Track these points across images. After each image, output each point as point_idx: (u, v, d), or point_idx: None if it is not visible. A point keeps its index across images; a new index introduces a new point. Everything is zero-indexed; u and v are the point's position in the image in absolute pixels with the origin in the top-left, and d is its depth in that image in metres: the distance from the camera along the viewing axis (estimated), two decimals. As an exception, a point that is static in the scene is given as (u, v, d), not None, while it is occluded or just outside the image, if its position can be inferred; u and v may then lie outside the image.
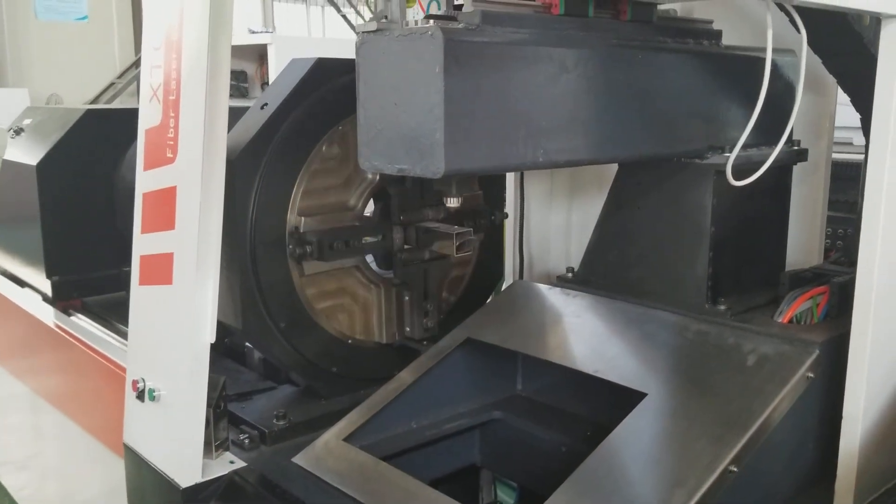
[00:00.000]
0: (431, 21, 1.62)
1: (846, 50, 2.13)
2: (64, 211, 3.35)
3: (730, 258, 2.17)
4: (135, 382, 2.10)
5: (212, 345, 1.99)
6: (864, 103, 2.17)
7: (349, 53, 1.85)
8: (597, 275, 2.38)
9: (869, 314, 1.80)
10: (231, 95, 1.97)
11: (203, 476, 2.04)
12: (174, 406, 2.03)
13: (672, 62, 2.03)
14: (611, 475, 1.78)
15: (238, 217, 2.19)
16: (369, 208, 2.51)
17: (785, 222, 2.35)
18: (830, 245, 3.38)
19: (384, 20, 1.69)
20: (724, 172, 1.99)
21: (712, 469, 1.67)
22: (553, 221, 3.11)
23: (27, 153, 3.43)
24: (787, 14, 1.90)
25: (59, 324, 3.30)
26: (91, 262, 3.44)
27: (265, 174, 2.22)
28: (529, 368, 2.44)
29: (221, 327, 2.08)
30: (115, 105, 7.16)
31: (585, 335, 2.22)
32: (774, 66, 1.95)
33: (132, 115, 2.13)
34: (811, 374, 1.85)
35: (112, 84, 7.94)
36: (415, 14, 1.95)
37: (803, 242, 2.65)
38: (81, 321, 3.32)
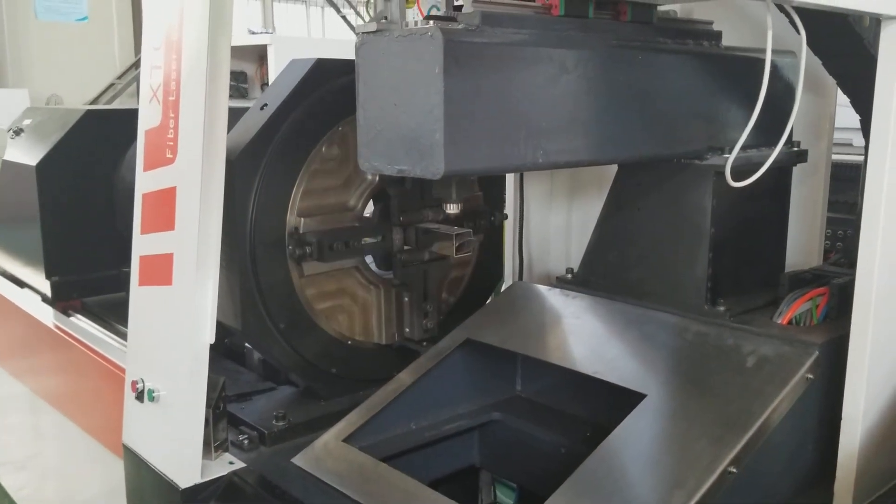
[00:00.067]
0: (431, 22, 1.62)
1: (846, 51, 2.13)
2: (64, 211, 3.34)
3: (729, 259, 2.17)
4: (134, 383, 2.10)
5: (211, 345, 1.99)
6: (863, 104, 2.17)
7: (349, 54, 1.85)
8: (596, 276, 2.38)
9: (869, 315, 1.80)
10: (231, 96, 1.97)
11: (202, 477, 2.04)
12: (173, 407, 2.03)
13: (672, 63, 2.03)
14: (610, 476, 1.78)
15: (238, 218, 2.19)
16: (369, 209, 2.51)
17: (785, 223, 2.35)
18: (830, 246, 3.38)
19: (384, 21, 1.69)
20: (723, 173, 1.99)
21: (712, 470, 1.67)
22: (553, 222, 3.11)
23: (27, 154, 3.43)
24: (787, 15, 1.90)
25: (59, 324, 3.30)
26: (91, 263, 3.44)
27: (265, 175, 2.22)
28: (529, 369, 2.44)
29: (221, 328, 2.08)
30: (115, 106, 7.16)
31: (585, 336, 2.21)
32: (774, 67, 1.95)
33: (132, 115, 2.12)
34: (811, 376, 1.85)
35: (112, 85, 7.94)
36: (414, 15, 1.95)
37: (803, 243, 2.65)
38: (81, 322, 3.31)
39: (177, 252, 1.97)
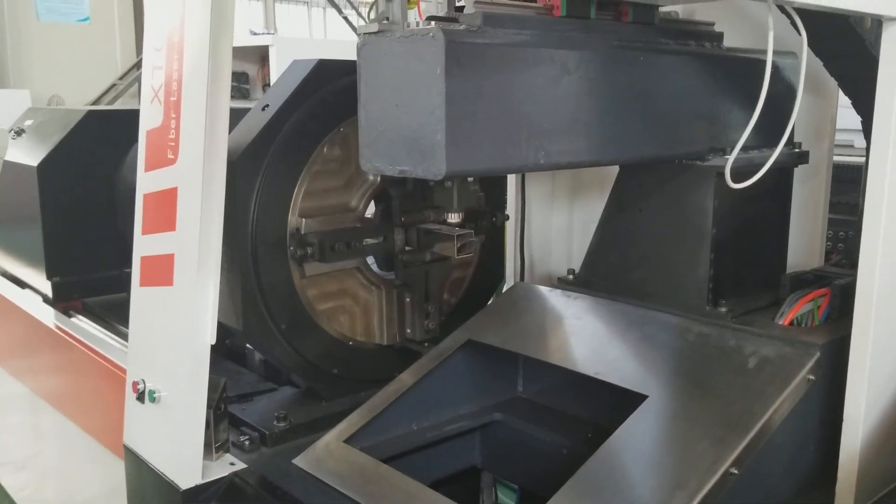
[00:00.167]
0: (433, 22, 1.62)
1: (847, 52, 2.13)
2: (65, 212, 3.34)
3: (731, 260, 2.17)
4: (135, 384, 2.10)
5: (212, 346, 1.99)
6: (865, 106, 2.17)
7: (350, 55, 1.85)
8: (598, 277, 2.38)
9: (870, 316, 1.80)
10: (232, 97, 1.97)
11: (203, 478, 2.03)
12: (174, 407, 2.03)
13: (674, 64, 2.03)
14: (612, 477, 1.77)
15: (239, 218, 2.19)
16: (370, 210, 2.51)
17: (786, 224, 2.35)
18: (831, 247, 3.38)
19: (385, 22, 1.69)
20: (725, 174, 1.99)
21: (713, 471, 1.67)
22: (554, 223, 3.11)
23: (28, 154, 3.43)
24: (789, 16, 1.90)
25: (60, 325, 3.30)
26: (92, 264, 3.44)
27: (266, 175, 2.22)
28: (530, 370, 2.44)
29: (222, 329, 2.08)
30: (117, 106, 7.16)
31: (586, 337, 2.21)
32: (775, 68, 1.95)
33: (133, 116, 2.12)
34: (812, 377, 1.84)
35: (113, 85, 7.94)
36: (415, 17, 1.95)
37: (804, 244, 2.64)
38: (82, 322, 3.31)
39: (178, 253, 1.97)
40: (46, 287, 3.43)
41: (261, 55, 6.64)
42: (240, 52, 6.24)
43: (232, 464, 2.12)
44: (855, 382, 1.83)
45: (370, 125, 1.71)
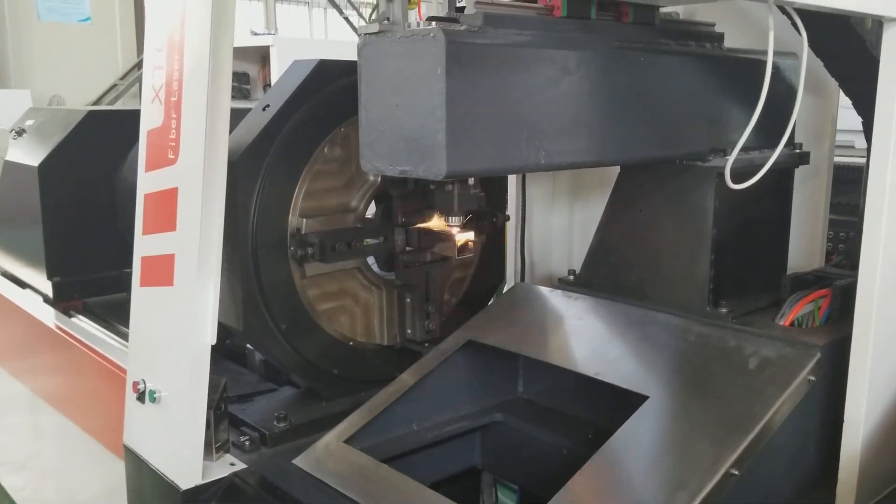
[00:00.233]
0: (433, 23, 1.62)
1: (848, 53, 2.13)
2: (65, 212, 3.35)
3: (731, 261, 2.16)
4: (135, 384, 2.10)
5: (213, 346, 1.99)
6: (865, 106, 2.16)
7: (351, 55, 1.85)
8: (598, 277, 2.38)
9: (871, 317, 1.80)
10: (233, 97, 1.97)
11: (203, 478, 2.03)
12: (175, 408, 2.03)
13: (674, 65, 2.03)
14: (612, 478, 1.77)
15: (240, 218, 2.19)
16: (371, 210, 2.51)
17: (787, 225, 2.35)
18: (832, 248, 3.38)
19: (386, 22, 1.69)
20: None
21: (714, 472, 1.67)
22: (555, 224, 3.11)
23: (29, 154, 3.43)
24: (789, 17, 1.90)
25: (60, 325, 3.30)
26: (92, 264, 3.44)
27: (267, 176, 2.22)
28: (531, 371, 2.44)
29: (222, 329, 2.08)
30: (118, 106, 7.17)
31: (587, 338, 2.21)
32: (776, 68, 1.95)
33: (134, 116, 2.12)
34: (813, 378, 1.84)
35: (114, 85, 7.95)
36: (415, 17, 1.95)
37: (805, 245, 2.64)
38: (82, 322, 3.32)
39: (178, 253, 1.97)
40: (47, 287, 3.44)
41: (261, 55, 6.65)
42: (240, 53, 6.26)
43: (232, 464, 2.12)
44: (856, 383, 1.83)
45: (371, 125, 1.71)
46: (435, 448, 2.27)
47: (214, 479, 2.05)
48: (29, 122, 3.71)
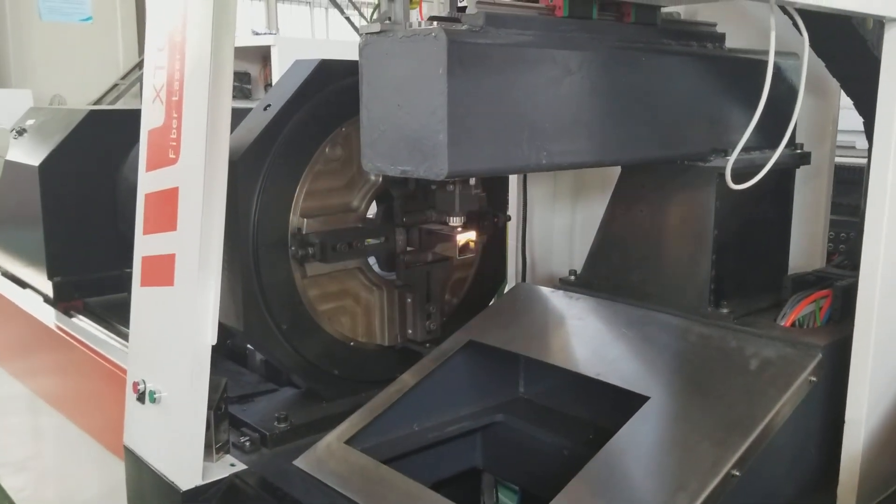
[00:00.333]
0: (435, 23, 1.62)
1: (849, 53, 2.13)
2: (66, 212, 3.35)
3: (732, 261, 2.16)
4: (135, 384, 2.10)
5: (213, 346, 1.99)
6: (867, 107, 2.16)
7: (352, 55, 1.85)
8: (599, 277, 2.38)
9: (872, 318, 1.79)
10: (234, 97, 1.97)
11: (203, 479, 2.03)
12: (175, 408, 2.03)
13: (675, 65, 2.03)
14: (613, 478, 1.77)
15: (240, 218, 2.19)
16: (372, 210, 2.51)
17: (788, 225, 2.35)
18: (833, 249, 3.38)
19: (388, 22, 1.69)
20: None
21: (715, 473, 1.67)
22: (556, 224, 3.11)
23: (29, 154, 3.43)
24: (791, 17, 1.90)
25: (60, 325, 3.30)
26: (93, 264, 3.44)
27: (268, 175, 2.22)
28: (532, 371, 2.44)
29: (223, 329, 2.08)
30: (119, 106, 7.17)
31: (588, 338, 2.21)
32: (777, 69, 1.94)
33: (135, 116, 2.12)
34: (814, 378, 1.84)
35: (115, 85, 7.95)
36: (417, 17, 1.95)
37: (806, 246, 2.64)
38: (82, 322, 3.31)
39: (179, 253, 1.97)
40: (47, 287, 3.43)
41: (263, 55, 6.65)
42: (242, 52, 6.26)
43: (232, 465, 2.12)
44: (857, 384, 1.83)
45: (372, 125, 1.71)
46: (436, 449, 2.26)
47: (215, 479, 2.05)
48: (30, 122, 3.71)
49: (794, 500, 1.91)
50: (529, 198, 3.03)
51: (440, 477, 2.30)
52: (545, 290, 2.44)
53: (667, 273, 2.22)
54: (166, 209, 1.98)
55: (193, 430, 2.00)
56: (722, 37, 2.20)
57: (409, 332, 2.57)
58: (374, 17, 1.76)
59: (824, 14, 1.78)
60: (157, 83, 2.00)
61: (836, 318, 2.07)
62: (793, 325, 2.05)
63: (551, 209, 3.09)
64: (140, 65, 7.61)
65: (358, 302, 2.49)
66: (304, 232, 2.30)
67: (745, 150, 1.98)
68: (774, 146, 2.00)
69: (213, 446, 2.09)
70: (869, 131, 1.93)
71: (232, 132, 1.99)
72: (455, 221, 2.17)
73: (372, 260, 2.55)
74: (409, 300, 2.55)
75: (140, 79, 7.10)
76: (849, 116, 2.41)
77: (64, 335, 3.21)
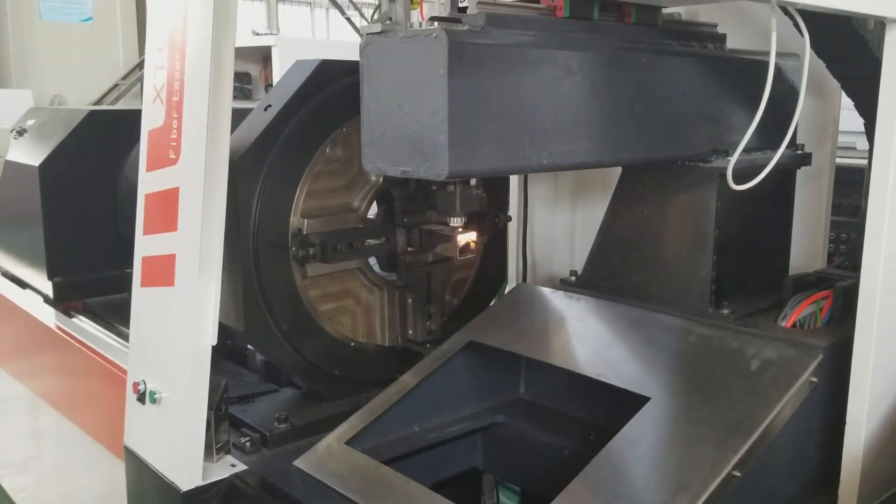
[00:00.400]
0: (436, 23, 1.62)
1: (850, 54, 2.13)
2: (66, 212, 3.35)
3: (733, 262, 2.16)
4: (136, 385, 2.10)
5: (213, 347, 1.98)
6: (868, 107, 2.16)
7: (353, 55, 1.84)
8: (600, 278, 2.38)
9: (873, 318, 1.79)
10: (235, 97, 1.97)
11: (204, 479, 2.03)
12: (175, 408, 2.03)
13: (676, 65, 2.03)
14: (614, 479, 1.77)
15: (241, 219, 2.19)
16: (372, 210, 2.51)
17: (789, 226, 2.35)
18: (834, 249, 3.38)
19: (388, 22, 1.69)
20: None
21: (716, 473, 1.67)
22: (557, 224, 3.11)
23: (30, 154, 3.43)
24: (792, 18, 1.90)
25: (60, 325, 3.30)
26: (93, 264, 3.44)
27: (268, 176, 2.22)
28: (532, 372, 2.43)
29: (223, 329, 2.08)
30: (119, 106, 7.17)
31: (588, 339, 2.21)
32: (778, 69, 1.94)
33: (135, 116, 2.12)
34: (815, 379, 1.84)
35: (116, 85, 7.97)
36: (417, 17, 1.95)
37: (807, 246, 2.64)
38: (82, 323, 3.32)
39: (179, 253, 1.96)
40: (47, 287, 3.44)
41: (263, 55, 6.65)
42: (242, 53, 6.27)
43: (233, 465, 2.12)
44: (858, 384, 1.83)
45: (373, 126, 1.71)
46: (436, 449, 2.26)
47: (215, 480, 2.05)
48: (30, 122, 3.71)
49: (795, 501, 1.91)
50: (530, 198, 3.02)
51: (441, 477, 2.30)
52: (546, 291, 2.43)
53: (668, 273, 2.22)
54: (167, 209, 1.98)
55: (194, 431, 2.00)
56: (723, 37, 2.20)
57: (410, 332, 2.57)
58: (375, 17, 1.76)
59: (825, 15, 1.78)
60: (157, 83, 2.00)
61: (837, 318, 2.07)
62: (794, 325, 2.05)
63: (552, 209, 3.09)
64: (140, 65, 7.62)
65: (358, 302, 2.49)
66: (304, 232, 2.30)
67: (746, 150, 1.98)
68: (775, 147, 2.00)
69: (214, 447, 2.09)
70: (870, 132, 1.93)
71: (232, 132, 1.99)
72: (456, 222, 2.17)
73: (372, 260, 2.55)
74: (410, 301, 2.55)
75: (140, 79, 7.10)
76: (849, 117, 2.41)
77: (64, 335, 3.21)
